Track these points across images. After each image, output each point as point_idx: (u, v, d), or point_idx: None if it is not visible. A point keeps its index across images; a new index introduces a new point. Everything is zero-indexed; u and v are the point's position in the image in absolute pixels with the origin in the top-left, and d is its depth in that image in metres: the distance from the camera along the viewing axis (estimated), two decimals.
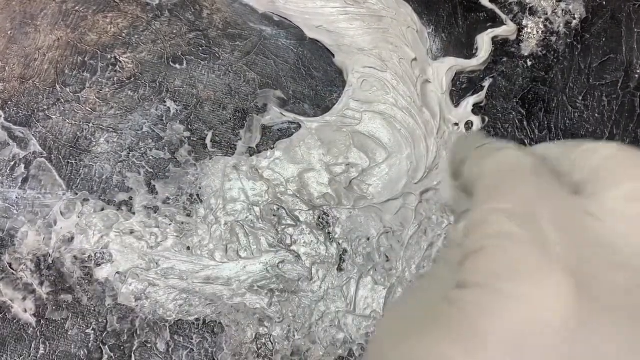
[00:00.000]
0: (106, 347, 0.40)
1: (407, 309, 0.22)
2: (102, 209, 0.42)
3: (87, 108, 0.44)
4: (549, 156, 0.24)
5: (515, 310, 0.18)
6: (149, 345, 0.40)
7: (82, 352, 0.40)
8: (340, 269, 0.42)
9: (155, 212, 0.43)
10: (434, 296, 0.21)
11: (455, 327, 0.18)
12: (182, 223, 0.42)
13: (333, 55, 0.47)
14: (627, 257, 0.19)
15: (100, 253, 0.42)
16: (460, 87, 0.47)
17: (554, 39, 0.48)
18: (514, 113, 0.47)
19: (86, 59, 0.45)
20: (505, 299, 0.18)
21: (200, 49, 0.46)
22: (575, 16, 0.49)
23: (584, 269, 0.18)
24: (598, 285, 0.18)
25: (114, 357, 0.40)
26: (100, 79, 0.45)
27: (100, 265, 0.41)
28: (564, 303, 0.17)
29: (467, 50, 0.48)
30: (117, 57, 0.45)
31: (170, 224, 0.42)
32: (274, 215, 0.43)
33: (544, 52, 0.48)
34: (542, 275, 0.18)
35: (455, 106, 0.46)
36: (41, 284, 0.41)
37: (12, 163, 0.43)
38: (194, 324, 0.41)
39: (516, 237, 0.19)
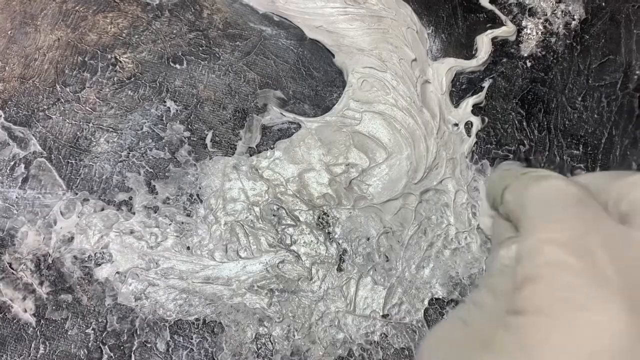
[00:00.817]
0: (106, 346, 0.40)
1: (456, 336, 0.23)
2: (102, 209, 0.42)
3: (87, 108, 0.44)
4: (592, 186, 0.25)
5: (573, 337, 0.18)
6: (149, 345, 0.40)
7: (82, 352, 0.40)
8: (340, 269, 0.42)
9: (155, 212, 0.43)
10: (485, 323, 0.21)
11: (514, 353, 0.19)
12: (182, 223, 0.42)
13: (333, 56, 0.47)
14: None
15: (100, 253, 0.42)
16: (460, 87, 0.47)
17: (553, 39, 0.48)
18: (513, 113, 0.47)
19: (86, 58, 0.45)
20: (562, 327, 0.18)
21: (201, 49, 0.46)
22: (575, 17, 0.49)
23: (637, 293, 0.19)
24: None
25: (113, 357, 0.40)
26: (100, 79, 0.45)
27: (100, 265, 0.41)
28: (618, 327, 0.18)
29: (467, 50, 0.48)
30: (117, 57, 0.45)
31: (170, 224, 0.42)
32: (273, 215, 0.43)
33: (544, 52, 0.48)
34: (597, 302, 0.18)
35: (455, 106, 0.46)
36: (41, 283, 0.41)
37: (12, 163, 0.43)
38: (193, 323, 0.41)
39: (570, 266, 0.20)
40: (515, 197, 0.25)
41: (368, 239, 0.43)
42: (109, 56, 0.45)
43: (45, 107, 0.44)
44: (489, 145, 0.46)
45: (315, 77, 0.46)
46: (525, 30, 0.48)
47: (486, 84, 0.47)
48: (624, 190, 0.23)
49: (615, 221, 0.22)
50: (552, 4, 0.49)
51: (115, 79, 0.45)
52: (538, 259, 0.21)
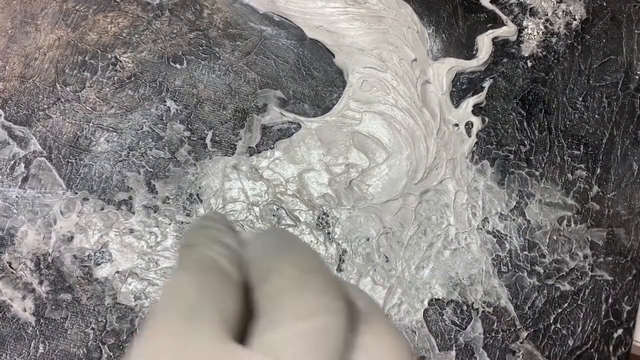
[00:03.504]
0: (105, 346, 0.40)
1: None
2: (102, 208, 0.42)
3: (87, 107, 0.44)
4: (248, 267, 0.22)
5: None
6: None
7: (82, 351, 0.40)
8: (339, 269, 0.42)
9: (155, 212, 0.43)
10: None
11: None
12: (182, 222, 0.42)
13: (333, 56, 0.47)
14: None
15: (100, 252, 0.42)
16: (461, 87, 0.47)
17: (554, 40, 0.48)
18: (514, 114, 0.47)
19: (86, 58, 0.45)
20: None
21: (201, 48, 0.46)
22: (576, 17, 0.49)
23: None
24: None
25: (113, 356, 0.40)
26: (100, 79, 0.45)
27: (99, 264, 0.41)
28: None
29: (468, 50, 0.48)
30: (118, 57, 0.45)
31: (170, 224, 0.42)
32: (273, 215, 0.43)
33: (544, 53, 0.48)
34: None
35: (456, 107, 0.46)
36: (41, 283, 0.41)
37: (12, 162, 0.43)
38: None
39: None
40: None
41: (368, 239, 0.43)
42: (109, 56, 0.45)
43: (45, 106, 0.44)
44: (489, 146, 0.46)
45: (315, 77, 0.46)
46: (526, 30, 0.48)
47: (487, 84, 0.47)
48: (260, 276, 0.21)
49: (222, 337, 0.19)
50: (553, 4, 0.49)
51: (116, 78, 0.45)
52: None
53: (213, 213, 0.22)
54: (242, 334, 0.20)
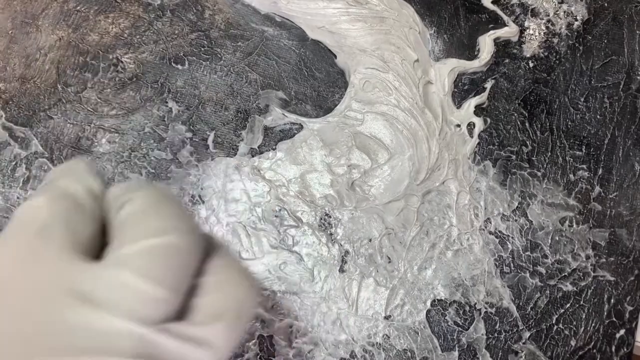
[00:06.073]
0: None
1: None
2: None
3: (89, 108, 0.44)
4: (107, 203, 0.23)
5: None
6: None
7: None
8: (342, 270, 0.42)
9: None
10: None
11: None
12: None
13: (335, 56, 0.47)
14: (94, 339, 0.18)
15: None
16: (462, 88, 0.47)
17: (555, 40, 0.48)
18: (515, 114, 0.47)
19: (88, 59, 0.45)
20: None
21: (202, 49, 0.46)
22: (577, 18, 0.49)
23: (9, 357, 0.18)
24: None
25: None
26: (101, 79, 0.45)
27: None
28: None
29: (469, 51, 0.48)
30: (119, 58, 0.45)
31: None
32: (275, 216, 0.43)
33: (546, 53, 0.48)
34: None
35: (457, 107, 0.46)
36: None
37: (14, 163, 0.43)
38: None
39: None
40: None
41: (370, 240, 0.43)
42: (111, 56, 0.45)
43: (46, 107, 0.44)
44: (491, 146, 0.46)
45: (317, 77, 0.46)
46: (527, 30, 0.48)
47: (488, 85, 0.47)
48: (114, 206, 0.22)
49: (74, 258, 0.20)
50: (555, 5, 0.49)
51: (117, 79, 0.45)
52: None
53: (80, 160, 0.24)
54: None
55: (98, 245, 0.22)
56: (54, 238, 0.20)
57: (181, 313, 0.20)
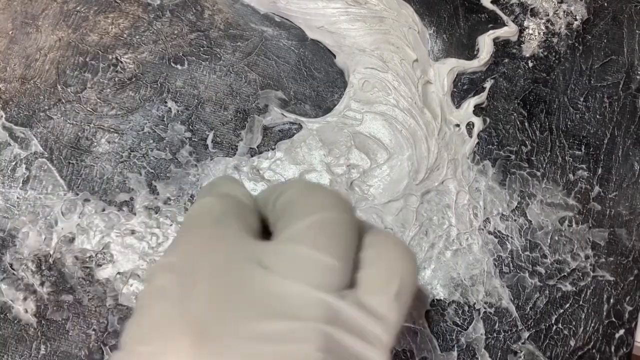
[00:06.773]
0: (107, 347, 0.40)
1: None
2: (103, 210, 0.42)
3: (88, 108, 0.44)
4: (260, 202, 0.25)
5: None
6: None
7: (83, 353, 0.40)
8: None
9: (157, 213, 0.43)
10: None
11: None
12: None
13: (334, 56, 0.47)
14: (287, 304, 0.19)
15: (102, 253, 0.42)
16: (462, 88, 0.47)
17: (555, 40, 0.48)
18: (515, 114, 0.47)
19: (87, 59, 0.45)
20: None
21: (202, 49, 0.46)
22: (577, 17, 0.49)
23: (218, 321, 0.18)
24: (229, 335, 0.18)
25: None
26: (101, 80, 0.45)
27: (101, 265, 0.41)
28: (179, 358, 0.17)
29: (469, 51, 0.48)
30: (119, 58, 0.45)
31: (171, 225, 0.42)
32: None
33: (545, 53, 0.48)
34: (167, 333, 0.18)
35: (457, 107, 0.46)
36: (42, 284, 0.41)
37: (13, 163, 0.43)
38: None
39: (165, 293, 0.19)
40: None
41: None
42: (110, 57, 0.45)
43: (46, 107, 0.44)
44: (490, 146, 0.46)
45: (316, 77, 0.46)
46: (527, 30, 0.48)
47: (488, 85, 0.47)
48: (275, 202, 0.23)
49: (247, 238, 0.22)
50: (554, 4, 0.49)
51: (117, 79, 0.45)
52: (147, 287, 0.20)
53: (226, 175, 0.27)
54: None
55: (259, 237, 0.23)
56: (229, 224, 0.22)
57: (348, 287, 0.21)
